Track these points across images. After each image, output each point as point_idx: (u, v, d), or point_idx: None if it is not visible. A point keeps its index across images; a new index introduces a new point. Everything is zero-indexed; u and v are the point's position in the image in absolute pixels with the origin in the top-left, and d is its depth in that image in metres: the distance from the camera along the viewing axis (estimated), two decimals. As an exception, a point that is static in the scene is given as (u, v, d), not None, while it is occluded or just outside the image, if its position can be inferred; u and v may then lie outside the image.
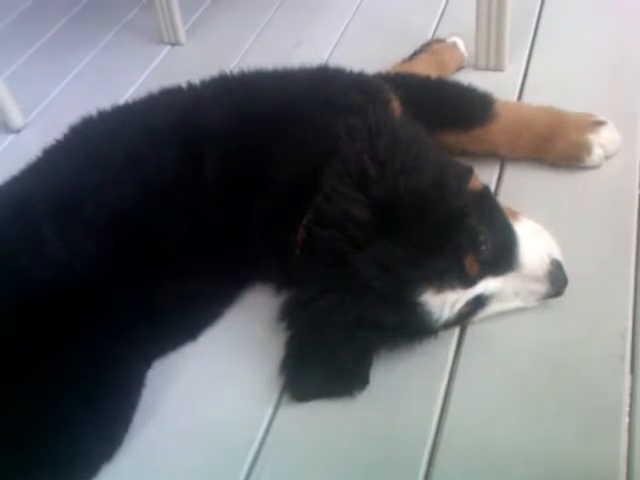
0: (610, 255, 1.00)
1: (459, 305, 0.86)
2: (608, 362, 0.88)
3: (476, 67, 1.39)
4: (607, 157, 1.11)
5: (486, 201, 0.92)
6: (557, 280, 0.90)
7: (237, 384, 0.97)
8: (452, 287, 0.83)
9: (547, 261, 0.90)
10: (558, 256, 0.92)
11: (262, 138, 0.96)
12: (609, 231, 1.03)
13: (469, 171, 0.93)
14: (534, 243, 0.91)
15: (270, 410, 0.93)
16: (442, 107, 1.11)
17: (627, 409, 0.84)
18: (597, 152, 1.09)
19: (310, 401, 0.91)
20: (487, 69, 1.38)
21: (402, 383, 0.92)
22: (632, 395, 0.85)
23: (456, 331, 0.96)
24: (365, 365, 0.90)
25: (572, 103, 1.14)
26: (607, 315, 0.93)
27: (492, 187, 1.12)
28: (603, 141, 1.09)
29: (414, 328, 0.86)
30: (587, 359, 0.89)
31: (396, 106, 1.04)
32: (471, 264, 0.84)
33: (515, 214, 0.95)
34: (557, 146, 1.10)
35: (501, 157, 1.16)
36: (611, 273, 0.97)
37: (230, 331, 1.04)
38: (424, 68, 1.29)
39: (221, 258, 0.99)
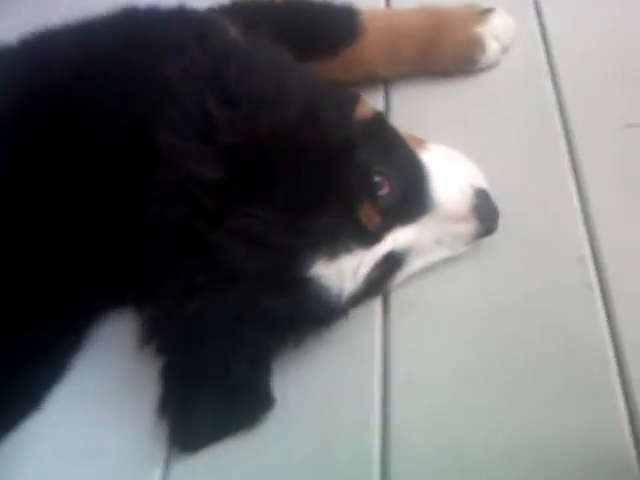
0: (541, 170, 0.81)
1: (364, 270, 0.66)
2: (574, 295, 0.71)
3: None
4: (504, 50, 0.93)
5: (380, 131, 0.72)
6: (486, 214, 0.71)
7: (108, 450, 0.72)
8: (349, 249, 0.63)
9: (469, 192, 0.71)
10: (482, 184, 0.73)
11: (64, 108, 0.70)
12: (531, 140, 0.84)
13: (354, 97, 0.73)
14: (449, 173, 0.71)
15: (158, 472, 0.69)
16: (296, 32, 0.88)
17: (612, 345, 0.67)
18: (492, 46, 0.91)
19: (207, 446, 0.69)
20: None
21: (322, 386, 0.71)
22: (612, 328, 0.68)
23: (377, 303, 0.76)
24: (263, 376, 0.70)
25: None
26: (557, 243, 0.75)
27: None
28: (496, 31, 0.91)
29: (313, 311, 0.65)
30: (547, 299, 0.71)
31: (237, 37, 0.80)
32: (369, 215, 0.64)
33: (420, 142, 0.76)
34: (444, 50, 0.90)
35: (384, 79, 0.95)
36: (547, 192, 0.79)
37: (87, 378, 0.77)
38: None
39: (53, 284, 0.73)
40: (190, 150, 0.61)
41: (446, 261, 0.73)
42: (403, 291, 0.75)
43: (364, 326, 0.74)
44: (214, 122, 0.61)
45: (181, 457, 0.69)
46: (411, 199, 0.68)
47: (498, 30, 0.90)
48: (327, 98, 0.67)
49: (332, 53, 0.88)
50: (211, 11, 0.89)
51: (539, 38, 0.95)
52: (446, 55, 0.91)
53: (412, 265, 0.72)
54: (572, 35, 0.94)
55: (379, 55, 0.91)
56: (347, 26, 0.89)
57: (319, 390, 0.71)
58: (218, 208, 0.60)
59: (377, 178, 0.65)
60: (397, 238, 0.67)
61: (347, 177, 0.63)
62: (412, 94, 0.93)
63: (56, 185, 0.69)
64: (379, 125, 0.73)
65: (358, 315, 0.72)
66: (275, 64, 0.67)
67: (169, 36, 0.74)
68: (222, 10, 0.89)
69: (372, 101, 0.91)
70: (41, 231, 0.70)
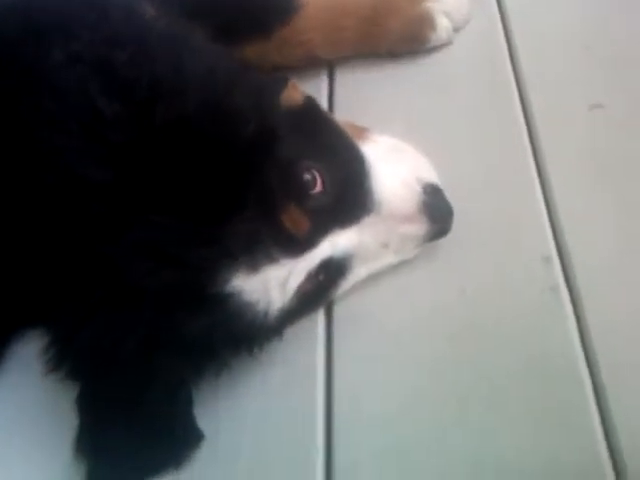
0: (500, 161, 0.73)
1: (295, 282, 0.57)
2: (539, 301, 0.62)
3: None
4: (457, 28, 0.84)
5: (312, 119, 0.62)
6: (438, 212, 0.62)
7: None
8: (272, 259, 0.54)
9: (418, 188, 0.62)
10: (432, 178, 0.64)
11: None
12: (489, 128, 0.76)
13: (281, 81, 0.63)
14: (394, 167, 0.63)
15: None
16: (223, 10, 0.78)
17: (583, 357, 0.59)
18: (443, 24, 0.82)
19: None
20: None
21: (258, 417, 0.62)
22: (582, 336, 0.60)
23: (319, 317, 0.67)
24: (184, 409, 0.60)
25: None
26: (519, 242, 0.67)
27: (324, 106, 0.81)
28: (446, 7, 0.82)
29: (236, 332, 0.56)
30: (509, 307, 0.63)
31: (154, 17, 0.69)
32: (295, 219, 0.55)
33: (362, 131, 0.67)
34: (389, 28, 0.81)
35: (326, 63, 0.86)
36: (507, 185, 0.70)
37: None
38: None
39: None
40: (71, 147, 0.51)
41: (395, 267, 0.65)
42: (347, 303, 0.66)
43: (304, 345, 0.64)
44: (100, 116, 0.51)
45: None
46: (350, 197, 0.59)
47: (449, 5, 0.82)
48: (240, 84, 0.58)
49: (265, 33, 0.79)
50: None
51: (496, 14, 0.87)
52: (392, 34, 0.82)
53: (357, 273, 0.63)
54: (532, 12, 0.86)
55: (318, 36, 0.81)
56: (281, 4, 0.80)
57: (254, 422, 0.62)
58: (111, 216, 0.51)
59: (307, 175, 0.56)
60: (336, 243, 0.58)
61: (266, 175, 0.54)
62: (358, 78, 0.84)
63: None
64: (311, 113, 0.63)
65: (298, 332, 0.63)
66: (174, 46, 0.57)
67: (66, 18, 0.63)
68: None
69: (314, 87, 0.83)
70: None
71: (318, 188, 0.57)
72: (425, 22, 0.81)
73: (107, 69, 0.54)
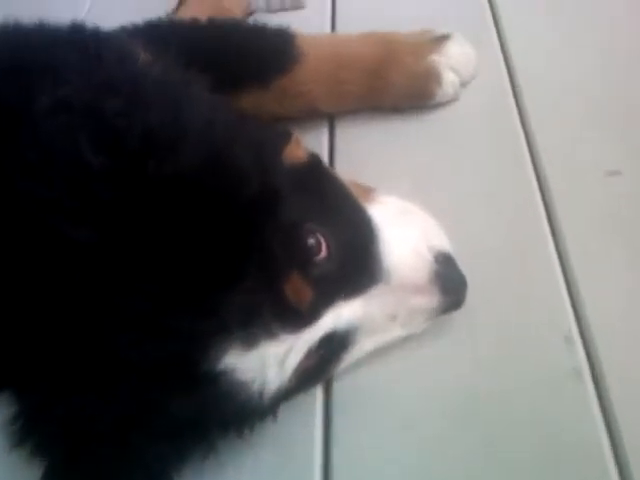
0: (512, 226, 0.67)
1: (295, 360, 0.51)
2: (560, 383, 0.57)
3: (269, 9, 1.02)
4: (464, 83, 0.80)
5: (317, 178, 0.58)
6: (450, 283, 0.57)
7: None
8: (271, 335, 0.49)
9: (429, 257, 0.57)
10: (445, 245, 0.59)
11: None
12: (500, 190, 0.71)
13: (284, 136, 0.60)
14: (404, 232, 0.58)
15: None
16: (220, 58, 0.74)
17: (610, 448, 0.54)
18: (449, 79, 0.78)
19: None
20: (283, 9, 1.01)
21: None
22: (608, 424, 0.54)
23: (318, 392, 0.61)
24: None
25: (398, 23, 0.81)
26: (538, 317, 0.61)
27: (324, 160, 0.75)
28: (453, 61, 0.78)
29: (227, 414, 0.51)
30: (527, 389, 0.57)
31: (147, 62, 0.65)
32: (298, 289, 0.50)
33: (367, 192, 0.62)
34: (394, 82, 0.77)
35: (327, 115, 0.81)
36: (523, 254, 0.65)
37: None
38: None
39: None
40: (54, 202, 0.46)
41: (403, 340, 0.59)
42: (348, 378, 0.60)
43: (300, 424, 0.58)
44: (88, 170, 0.46)
45: None
46: (356, 265, 0.54)
47: (455, 60, 0.78)
48: (241, 138, 0.53)
49: (263, 82, 0.75)
50: (121, 31, 0.75)
51: (503, 70, 0.83)
52: (397, 89, 0.78)
53: (361, 346, 0.57)
54: (542, 67, 0.82)
55: (319, 88, 0.77)
56: (281, 52, 0.76)
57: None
58: (95, 281, 0.46)
59: (311, 240, 0.51)
60: (340, 315, 0.53)
61: (267, 239, 0.49)
62: (361, 132, 0.80)
63: None
64: (315, 171, 0.59)
65: (293, 409, 0.57)
66: (170, 94, 0.53)
67: (55, 60, 0.58)
68: (135, 30, 0.76)
69: (314, 140, 0.79)
70: None
71: (323, 254, 0.52)
72: (431, 77, 0.78)
73: (97, 117, 0.49)
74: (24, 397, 0.51)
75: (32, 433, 0.51)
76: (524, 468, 0.54)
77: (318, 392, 0.60)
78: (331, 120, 0.82)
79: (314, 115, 0.80)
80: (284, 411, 0.56)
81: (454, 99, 0.80)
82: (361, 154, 0.77)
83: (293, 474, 0.56)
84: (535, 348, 0.58)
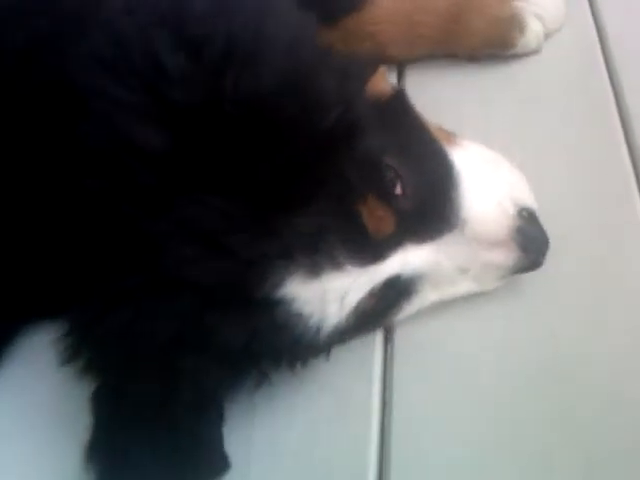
0: (598, 187, 0.63)
1: (355, 297, 0.49)
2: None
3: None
4: (548, 35, 0.75)
5: (400, 114, 0.55)
6: (532, 241, 0.53)
7: None
8: (337, 265, 0.47)
9: (512, 211, 0.54)
10: (530, 202, 0.56)
11: None
12: (585, 149, 0.66)
13: (370, 66, 0.56)
14: (487, 181, 0.54)
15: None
16: None
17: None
18: (533, 28, 0.73)
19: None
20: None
21: (297, 446, 0.54)
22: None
23: (377, 340, 0.58)
24: (210, 427, 0.53)
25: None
26: (623, 285, 0.56)
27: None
28: (540, 9, 0.73)
29: (280, 344, 0.49)
30: (607, 357, 0.53)
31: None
32: (377, 217, 0.48)
33: (452, 137, 0.58)
34: (473, 28, 0.73)
35: (397, 61, 0.77)
36: (607, 216, 0.61)
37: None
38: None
39: None
40: (126, 99, 0.44)
41: (469, 298, 0.56)
42: (413, 330, 0.57)
43: (358, 369, 0.56)
44: (164, 71, 0.44)
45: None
46: (431, 208, 0.51)
47: (543, 7, 0.73)
48: (327, 62, 0.50)
49: (328, 21, 0.70)
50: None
51: (591, 23, 0.77)
52: (475, 35, 0.73)
53: (424, 297, 0.55)
54: (633, 25, 0.76)
55: (391, 29, 0.73)
56: None
57: (295, 454, 0.54)
58: (158, 188, 0.44)
59: (389, 172, 0.49)
60: (407, 259, 0.50)
61: (343, 167, 0.46)
62: (431, 83, 0.75)
63: None
64: (399, 106, 0.56)
65: (351, 353, 0.56)
66: (260, 5, 0.50)
67: None
68: None
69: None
70: None
71: (398, 191, 0.49)
72: (514, 24, 0.72)
73: (175, 21, 0.47)
74: (75, 314, 0.50)
75: (83, 351, 0.50)
76: (596, 434, 0.50)
77: (378, 340, 0.58)
78: (400, 68, 0.77)
79: (382, 61, 0.75)
80: (342, 354, 0.55)
81: (536, 51, 0.74)
82: (432, 105, 0.71)
83: (348, 420, 0.55)
84: (617, 319, 0.55)
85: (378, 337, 0.58)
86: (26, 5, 0.55)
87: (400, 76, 0.77)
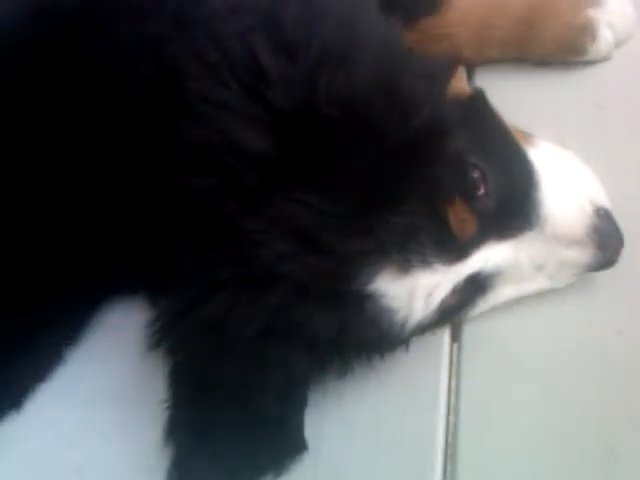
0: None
1: (440, 294, 0.51)
2: None
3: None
4: (619, 43, 0.76)
5: (480, 114, 0.56)
6: (608, 240, 0.55)
7: (92, 469, 0.59)
8: (426, 263, 0.49)
9: (589, 210, 0.55)
10: (605, 201, 0.57)
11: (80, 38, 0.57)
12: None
13: (451, 67, 0.58)
14: (566, 181, 0.56)
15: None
16: None
17: None
18: (605, 36, 0.74)
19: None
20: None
21: (369, 432, 0.56)
22: None
23: (445, 335, 0.60)
24: (294, 412, 0.55)
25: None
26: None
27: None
28: (612, 18, 0.74)
29: (367, 337, 0.51)
30: None
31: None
32: (461, 219, 0.49)
33: (527, 137, 0.60)
34: (546, 33, 0.74)
35: (469, 63, 0.78)
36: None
37: (80, 378, 0.64)
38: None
39: (46, 259, 0.59)
40: (229, 102, 0.47)
41: (543, 295, 0.57)
42: (480, 324, 0.59)
43: (428, 362, 0.59)
44: (264, 76, 0.46)
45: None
46: (512, 208, 0.53)
47: (615, 16, 0.74)
48: (413, 65, 0.52)
49: (409, 22, 0.71)
50: None
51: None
52: (548, 40, 0.74)
53: (500, 293, 0.56)
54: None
55: (465, 33, 0.75)
56: None
57: (364, 437, 0.56)
58: (259, 187, 0.47)
59: (474, 173, 0.50)
60: (488, 256, 0.52)
61: (433, 167, 0.48)
62: (501, 85, 0.75)
63: (57, 133, 0.56)
64: (479, 106, 0.57)
65: (421, 347, 0.57)
66: (350, 10, 0.52)
67: None
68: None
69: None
70: (35, 190, 0.57)
71: (482, 191, 0.50)
72: (586, 31, 0.74)
73: (273, 25, 0.50)
74: (171, 301, 0.53)
75: (173, 336, 0.53)
76: None
77: (445, 333, 0.60)
78: (469, 71, 0.78)
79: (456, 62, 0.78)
80: (414, 346, 0.57)
81: (606, 58, 0.75)
82: (502, 108, 0.75)
83: (416, 412, 0.57)
84: None
85: (445, 331, 0.60)
86: (134, 6, 0.58)
87: (469, 79, 0.78)
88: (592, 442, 0.52)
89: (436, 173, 0.49)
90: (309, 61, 0.47)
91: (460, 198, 0.49)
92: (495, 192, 0.51)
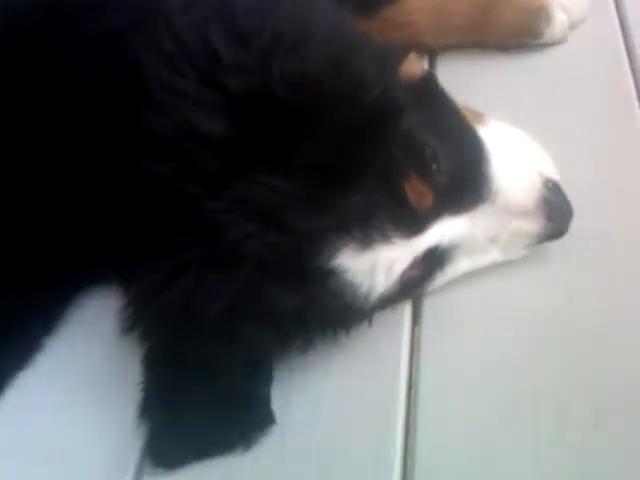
0: (616, 170, 0.67)
1: (400, 267, 0.53)
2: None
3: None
4: (573, 25, 0.79)
5: (431, 94, 0.58)
6: (557, 211, 0.57)
7: (71, 452, 0.59)
8: (386, 237, 0.50)
9: (538, 183, 0.57)
10: (554, 174, 0.59)
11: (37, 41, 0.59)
12: (606, 137, 0.70)
13: (401, 52, 0.60)
14: (514, 156, 0.58)
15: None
16: None
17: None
18: (559, 19, 0.78)
19: (187, 465, 0.56)
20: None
21: (333, 405, 0.58)
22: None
23: (406, 309, 0.63)
24: (261, 387, 0.57)
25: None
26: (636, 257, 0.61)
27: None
28: (566, 2, 0.78)
29: (330, 312, 0.53)
30: (621, 322, 0.57)
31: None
32: (417, 189, 0.51)
33: (478, 116, 0.62)
34: (502, 18, 0.78)
35: (429, 49, 0.82)
36: (625, 194, 0.65)
37: (58, 363, 0.65)
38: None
39: (20, 249, 0.61)
40: (187, 90, 0.49)
41: (497, 266, 0.60)
42: (438, 298, 0.62)
43: (389, 336, 0.61)
44: (218, 60, 0.48)
45: (156, 472, 0.57)
46: (465, 183, 0.55)
47: (569, 0, 0.78)
48: (365, 49, 0.54)
49: (369, 13, 0.75)
50: None
51: (615, 16, 0.81)
52: (505, 25, 0.78)
53: (457, 266, 0.58)
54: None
55: (425, 21, 0.78)
56: None
57: (329, 410, 0.58)
58: (218, 169, 0.48)
59: (427, 149, 0.52)
60: (444, 230, 0.54)
61: (387, 144, 0.50)
62: (461, 69, 0.79)
63: (25, 132, 0.58)
64: (430, 88, 0.59)
65: (382, 321, 0.59)
66: None
67: None
68: None
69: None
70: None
71: (434, 167, 0.53)
72: (541, 15, 0.77)
73: (227, 15, 0.51)
74: (137, 286, 0.54)
75: (144, 319, 0.54)
76: (612, 394, 0.54)
77: (406, 307, 0.62)
78: (431, 57, 0.82)
79: (416, 49, 0.79)
80: (375, 320, 0.58)
81: (561, 41, 0.79)
82: (462, 91, 0.77)
83: (379, 382, 0.59)
84: (632, 284, 0.59)
85: (407, 304, 0.62)
86: (97, 1, 0.60)
87: (432, 64, 0.81)
88: (543, 408, 0.54)
89: (391, 151, 0.50)
90: (262, 46, 0.49)
91: (415, 173, 0.51)
92: (448, 168, 0.53)
